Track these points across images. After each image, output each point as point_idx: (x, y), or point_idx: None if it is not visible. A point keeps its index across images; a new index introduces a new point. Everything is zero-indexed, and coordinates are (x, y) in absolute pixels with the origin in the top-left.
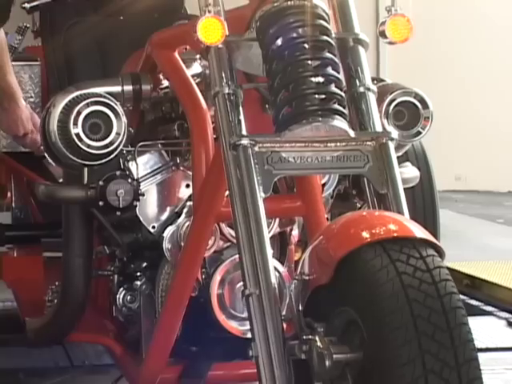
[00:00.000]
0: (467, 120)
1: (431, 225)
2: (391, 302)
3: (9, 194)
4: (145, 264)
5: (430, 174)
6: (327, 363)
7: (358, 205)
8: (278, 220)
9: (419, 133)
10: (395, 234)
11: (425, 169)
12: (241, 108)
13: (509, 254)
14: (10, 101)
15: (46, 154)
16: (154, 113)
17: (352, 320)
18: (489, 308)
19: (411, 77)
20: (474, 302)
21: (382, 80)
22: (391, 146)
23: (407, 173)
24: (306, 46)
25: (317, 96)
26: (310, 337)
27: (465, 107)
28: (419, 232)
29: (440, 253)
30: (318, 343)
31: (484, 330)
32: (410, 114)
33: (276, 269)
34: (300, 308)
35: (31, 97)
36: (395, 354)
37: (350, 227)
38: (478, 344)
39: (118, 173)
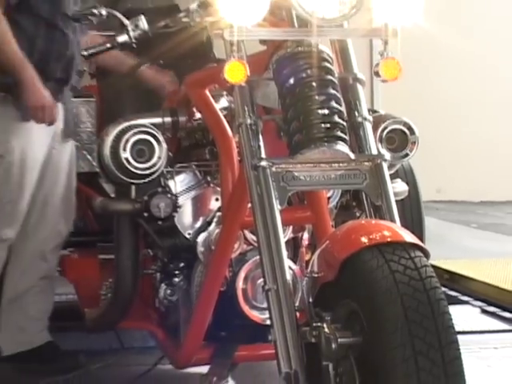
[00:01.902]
0: (447, 142)
1: (418, 230)
2: (386, 295)
3: None
4: (182, 264)
5: (416, 187)
6: (333, 346)
7: (358, 214)
8: (291, 227)
9: (407, 154)
10: (389, 239)
11: (412, 184)
12: (260, 135)
13: (481, 253)
14: (22, 69)
15: (100, 174)
16: (189, 140)
17: (353, 310)
18: (465, 298)
19: (398, 105)
20: (452, 293)
21: (376, 111)
22: (385, 166)
23: (398, 187)
24: (314, 84)
25: (323, 125)
26: (319, 324)
27: (444, 131)
28: (408, 237)
29: (426, 254)
30: (326, 329)
31: (461, 316)
32: (400, 139)
33: (290, 267)
34: (310, 300)
35: (88, 127)
36: (389, 339)
37: (351, 233)
38: (457, 328)
39: (159, 189)
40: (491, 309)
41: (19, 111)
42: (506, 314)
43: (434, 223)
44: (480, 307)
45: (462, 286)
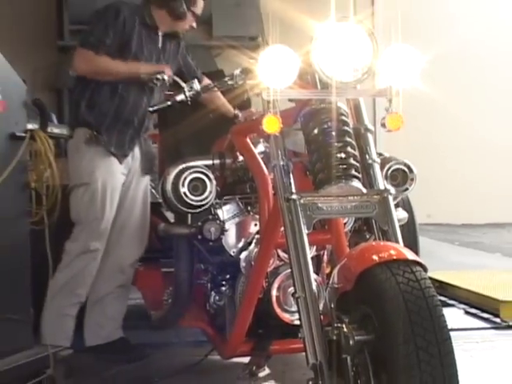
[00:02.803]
0: (435, 177)
1: (414, 248)
2: (393, 302)
3: None
4: (228, 276)
5: (412, 214)
6: (351, 342)
7: (368, 236)
8: (315, 247)
9: (407, 189)
10: (395, 257)
11: (409, 211)
12: (291, 174)
13: (464, 265)
14: (137, 69)
15: (163, 204)
16: (233, 177)
17: (367, 314)
18: (451, 302)
19: (398, 146)
20: (441, 298)
21: (382, 154)
22: (390, 198)
23: (400, 215)
24: (333, 133)
25: (341, 166)
26: (339, 325)
27: (434, 168)
28: (410, 255)
29: (424, 268)
30: (345, 329)
31: (448, 317)
32: (401, 176)
33: (315, 279)
34: (332, 306)
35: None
36: (396, 337)
37: (364, 253)
38: None
39: (210, 217)
40: (473, 311)
41: (104, 149)
42: (485, 315)
43: (425, 242)
44: (464, 309)
45: (449, 292)
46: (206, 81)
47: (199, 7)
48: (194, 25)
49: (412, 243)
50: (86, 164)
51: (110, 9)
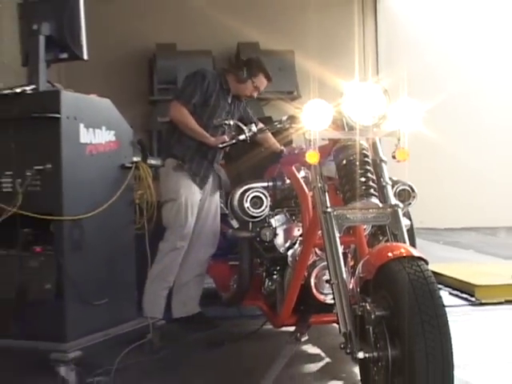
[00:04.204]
0: (426, 194)
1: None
2: (404, 287)
3: None
4: (278, 268)
5: (411, 221)
6: (372, 316)
7: (381, 238)
8: (342, 246)
9: (410, 203)
10: (404, 254)
11: (410, 219)
12: (326, 193)
13: (447, 259)
14: (205, 139)
15: (229, 215)
16: (282, 195)
17: (384, 295)
18: (439, 286)
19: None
20: None
21: (391, 178)
22: (399, 210)
23: (405, 222)
24: (357, 163)
25: (363, 187)
26: (363, 304)
27: (424, 188)
28: (416, 252)
29: (426, 262)
30: (368, 307)
31: None
32: (406, 194)
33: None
34: (358, 290)
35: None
36: (406, 312)
37: (382, 251)
38: None
39: (265, 224)
40: (455, 292)
41: (187, 174)
42: (464, 296)
43: (419, 242)
44: (448, 291)
45: (437, 279)
46: (261, 125)
47: (261, 82)
48: (255, 95)
49: (412, 243)
50: (173, 185)
51: (198, 74)
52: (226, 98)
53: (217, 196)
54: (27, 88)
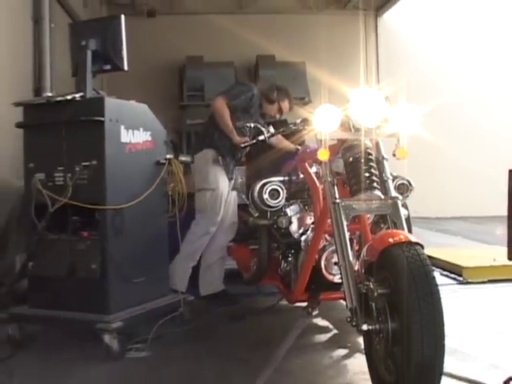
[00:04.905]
0: (422, 187)
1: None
2: (402, 268)
3: None
4: (292, 251)
5: (408, 211)
6: (375, 294)
7: (382, 226)
8: (349, 233)
9: (408, 196)
10: (403, 240)
11: (407, 209)
12: (335, 186)
13: (438, 244)
14: (230, 134)
15: (250, 205)
16: (296, 188)
17: (385, 276)
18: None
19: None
20: None
21: (392, 174)
22: (398, 202)
23: (403, 212)
24: (362, 160)
25: (367, 181)
26: (367, 283)
27: (421, 180)
28: (413, 238)
29: (422, 247)
30: (371, 285)
31: None
32: (404, 188)
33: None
34: (363, 271)
35: (242, 182)
36: (404, 290)
37: (384, 237)
38: None
39: (282, 213)
40: (445, 273)
41: (222, 168)
42: (453, 276)
43: (414, 230)
44: (439, 272)
45: (430, 261)
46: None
47: (285, 106)
48: (277, 116)
49: (409, 231)
50: (213, 177)
51: (247, 85)
52: (259, 111)
53: (234, 192)
54: (76, 95)
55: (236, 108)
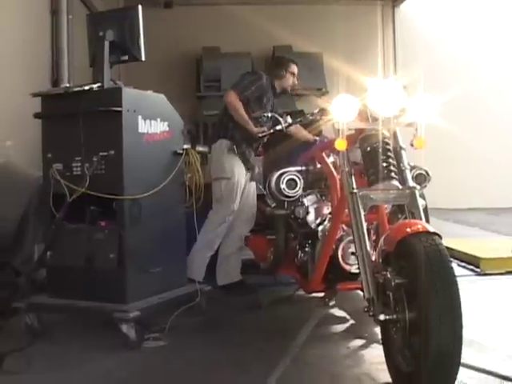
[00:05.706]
0: (438, 178)
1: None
2: (420, 258)
3: None
4: (309, 241)
5: (426, 202)
6: (392, 283)
7: (399, 216)
8: (366, 223)
9: (425, 186)
10: (421, 230)
11: (424, 200)
12: (353, 176)
13: (455, 235)
14: (246, 125)
15: (267, 195)
16: (313, 178)
17: (403, 266)
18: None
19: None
20: None
21: (410, 164)
22: (416, 192)
23: (421, 202)
24: (380, 150)
25: (385, 171)
26: (385, 272)
27: (438, 172)
28: (431, 228)
29: (440, 237)
30: (388, 275)
31: None
32: (421, 178)
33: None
34: (380, 261)
35: (259, 172)
36: (422, 279)
37: (401, 227)
38: None
39: (299, 203)
40: (462, 264)
41: (239, 157)
42: (470, 267)
43: (431, 220)
44: (457, 263)
45: (448, 252)
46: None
47: (292, 68)
48: (296, 81)
49: (427, 221)
50: (229, 166)
51: (256, 74)
52: (273, 94)
53: (253, 183)
54: (94, 86)
55: (248, 99)
